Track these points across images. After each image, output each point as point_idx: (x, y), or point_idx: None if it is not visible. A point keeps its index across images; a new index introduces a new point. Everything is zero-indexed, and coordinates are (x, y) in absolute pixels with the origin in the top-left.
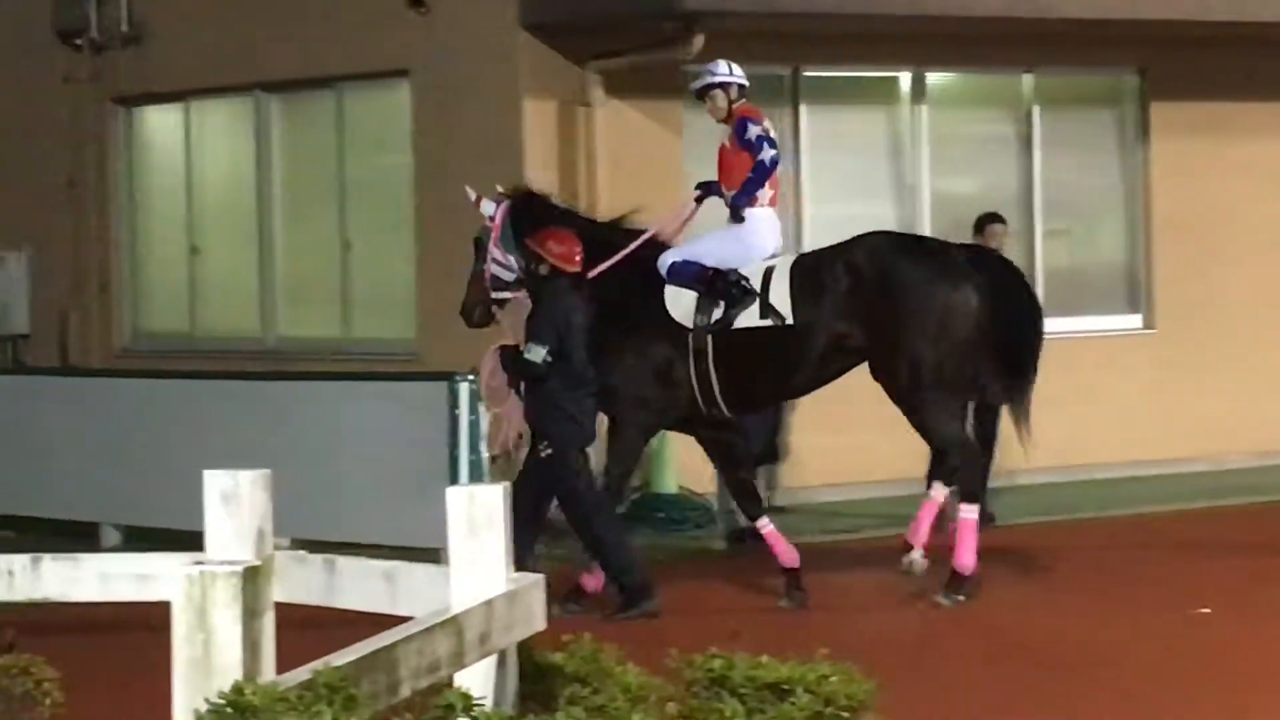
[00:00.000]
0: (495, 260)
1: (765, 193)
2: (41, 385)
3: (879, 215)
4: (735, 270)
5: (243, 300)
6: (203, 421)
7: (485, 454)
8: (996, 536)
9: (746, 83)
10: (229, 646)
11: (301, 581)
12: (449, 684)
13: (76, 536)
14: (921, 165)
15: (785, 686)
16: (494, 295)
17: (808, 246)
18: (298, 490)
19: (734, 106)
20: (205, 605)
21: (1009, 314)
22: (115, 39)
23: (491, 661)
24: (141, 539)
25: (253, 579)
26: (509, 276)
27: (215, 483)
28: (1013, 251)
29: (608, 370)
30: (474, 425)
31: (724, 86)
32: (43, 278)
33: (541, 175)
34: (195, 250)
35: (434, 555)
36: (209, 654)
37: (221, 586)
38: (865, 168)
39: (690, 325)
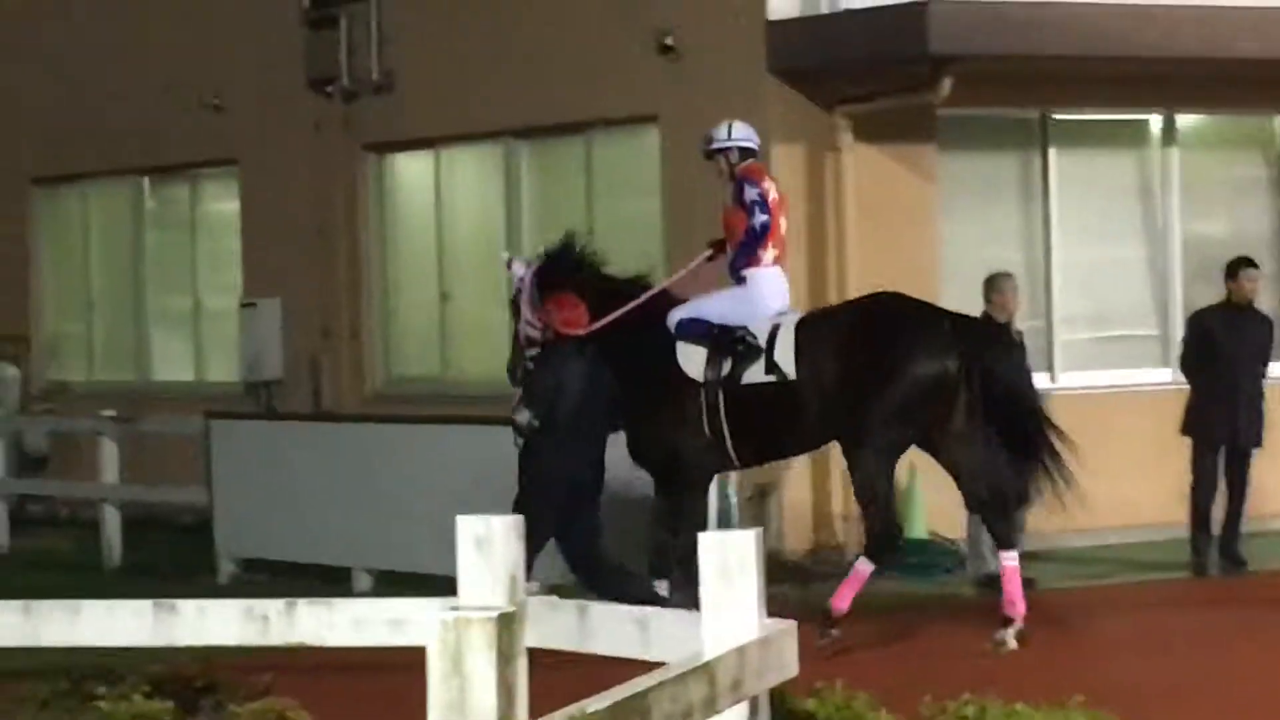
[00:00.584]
0: (526, 320)
1: (769, 253)
2: (294, 431)
3: (1129, 258)
4: (743, 327)
5: (493, 345)
6: (453, 466)
7: (734, 499)
8: (1250, 584)
9: (751, 144)
10: (484, 691)
11: (554, 626)
12: None
13: (329, 581)
14: (1172, 208)
15: None
16: (527, 352)
17: (1057, 291)
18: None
19: (737, 168)
20: (460, 650)
21: (998, 391)
22: (366, 87)
23: (744, 708)
24: (392, 583)
25: (507, 624)
26: (538, 334)
27: (468, 528)
28: (1265, 295)
29: (638, 427)
30: None
31: (724, 152)
32: (294, 323)
33: (789, 219)
34: (445, 296)
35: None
36: (464, 699)
37: (476, 632)
38: (1115, 211)
39: (702, 380)
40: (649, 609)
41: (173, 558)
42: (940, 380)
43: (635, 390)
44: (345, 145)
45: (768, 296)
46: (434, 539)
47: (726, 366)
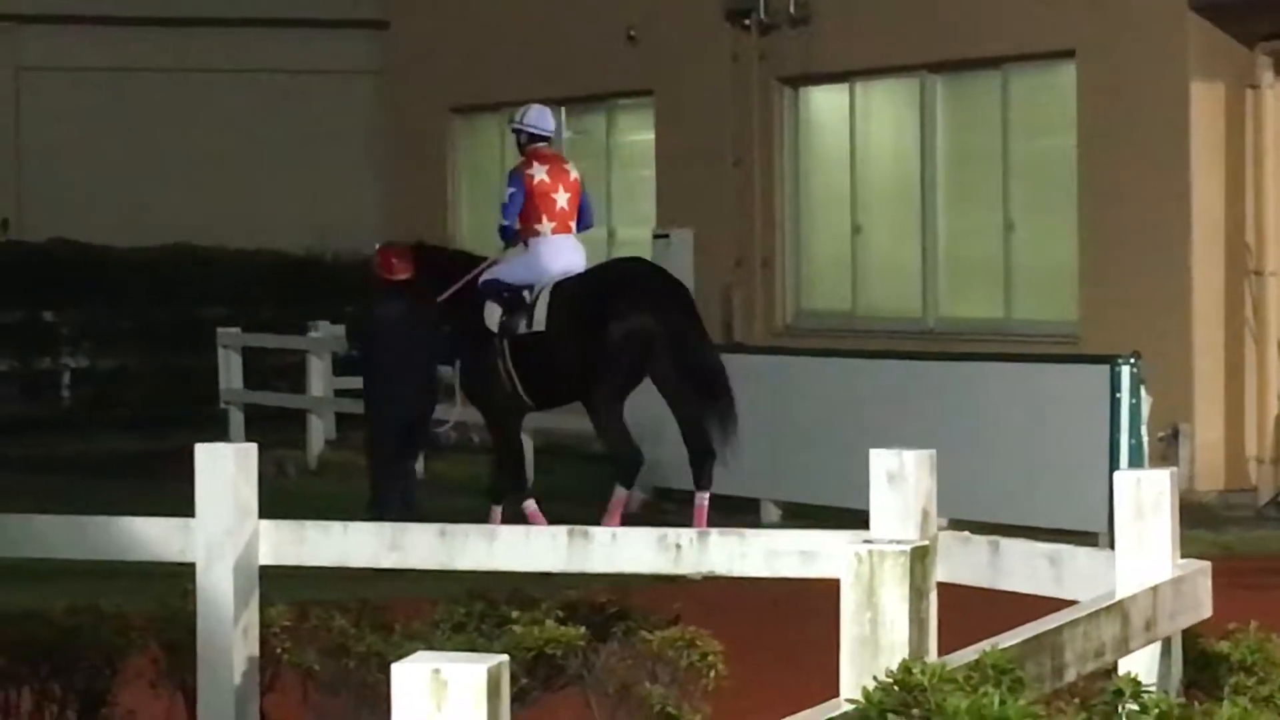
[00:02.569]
0: None
1: (546, 225)
2: None
3: None
4: (525, 286)
5: (904, 280)
6: (863, 401)
7: (1145, 438)
8: None
9: (535, 129)
10: (897, 625)
11: (965, 562)
12: (1113, 669)
13: (736, 512)
14: None
15: None
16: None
17: None
18: (954, 470)
19: (525, 149)
20: (874, 584)
21: (678, 343)
22: (783, 19)
23: (1156, 648)
24: (798, 515)
25: (920, 558)
26: None
27: (881, 462)
28: None
29: (463, 372)
30: (1134, 409)
31: (516, 134)
32: (707, 255)
33: (1206, 158)
34: (857, 229)
35: (1090, 539)
36: (876, 632)
37: (890, 565)
38: None
39: (496, 331)
40: (1062, 547)
41: (582, 485)
42: (631, 337)
43: (462, 341)
44: (761, 78)
45: (546, 260)
46: (841, 472)
47: (508, 320)
